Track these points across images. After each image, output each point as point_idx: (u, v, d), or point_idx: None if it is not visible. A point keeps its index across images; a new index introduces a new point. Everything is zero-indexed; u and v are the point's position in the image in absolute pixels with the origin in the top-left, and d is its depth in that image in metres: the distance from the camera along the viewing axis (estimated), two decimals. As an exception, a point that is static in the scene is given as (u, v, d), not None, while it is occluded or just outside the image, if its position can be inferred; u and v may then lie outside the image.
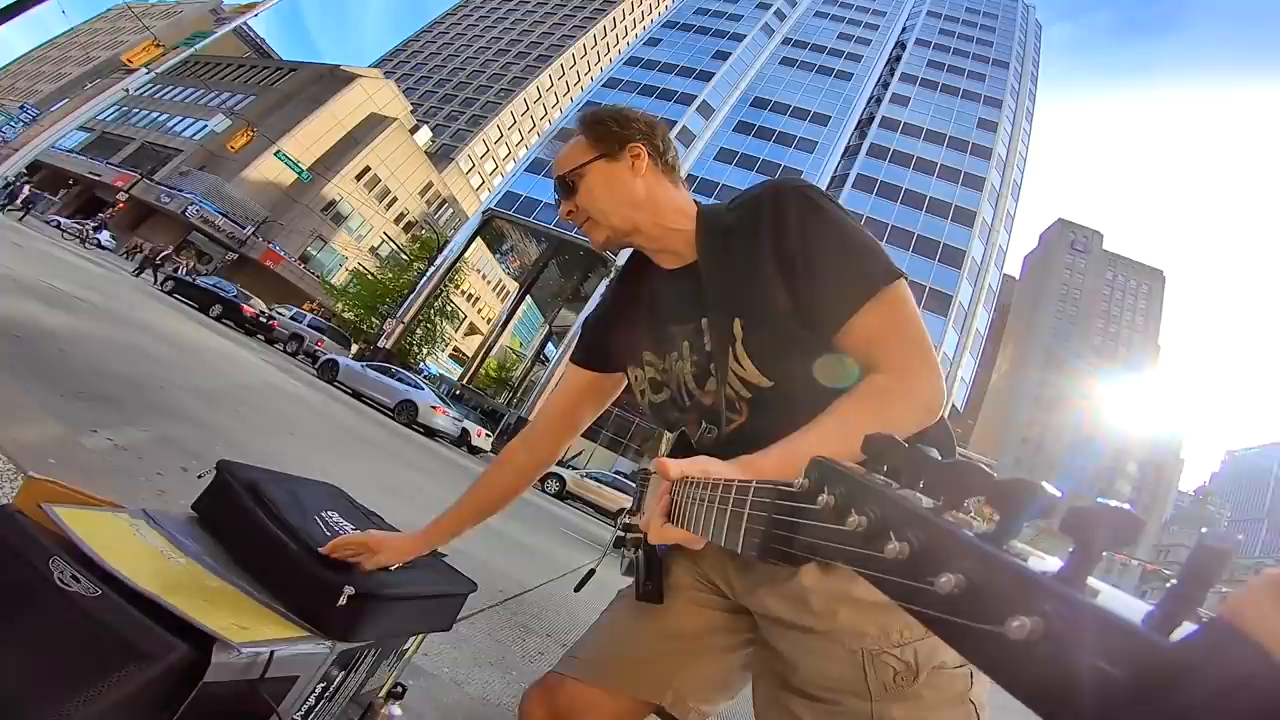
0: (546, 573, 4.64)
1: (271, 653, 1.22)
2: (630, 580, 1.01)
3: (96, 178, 37.92)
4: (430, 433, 16.07)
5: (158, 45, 9.09)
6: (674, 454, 0.96)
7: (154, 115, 44.88)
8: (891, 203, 34.78)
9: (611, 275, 1.12)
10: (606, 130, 0.97)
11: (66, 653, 1.10)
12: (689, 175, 35.54)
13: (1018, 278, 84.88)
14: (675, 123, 37.16)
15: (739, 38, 44.15)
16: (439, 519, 1.17)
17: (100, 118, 45.21)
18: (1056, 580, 0.22)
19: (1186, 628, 0.20)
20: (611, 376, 1.14)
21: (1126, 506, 0.23)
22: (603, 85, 41.36)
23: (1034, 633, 0.21)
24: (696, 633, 0.96)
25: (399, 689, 1.74)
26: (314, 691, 1.42)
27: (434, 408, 15.88)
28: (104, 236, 24.79)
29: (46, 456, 2.43)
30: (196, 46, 3.78)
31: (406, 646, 1.78)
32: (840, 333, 0.80)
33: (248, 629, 1.22)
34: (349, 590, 1.25)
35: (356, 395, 15.64)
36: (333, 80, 44.98)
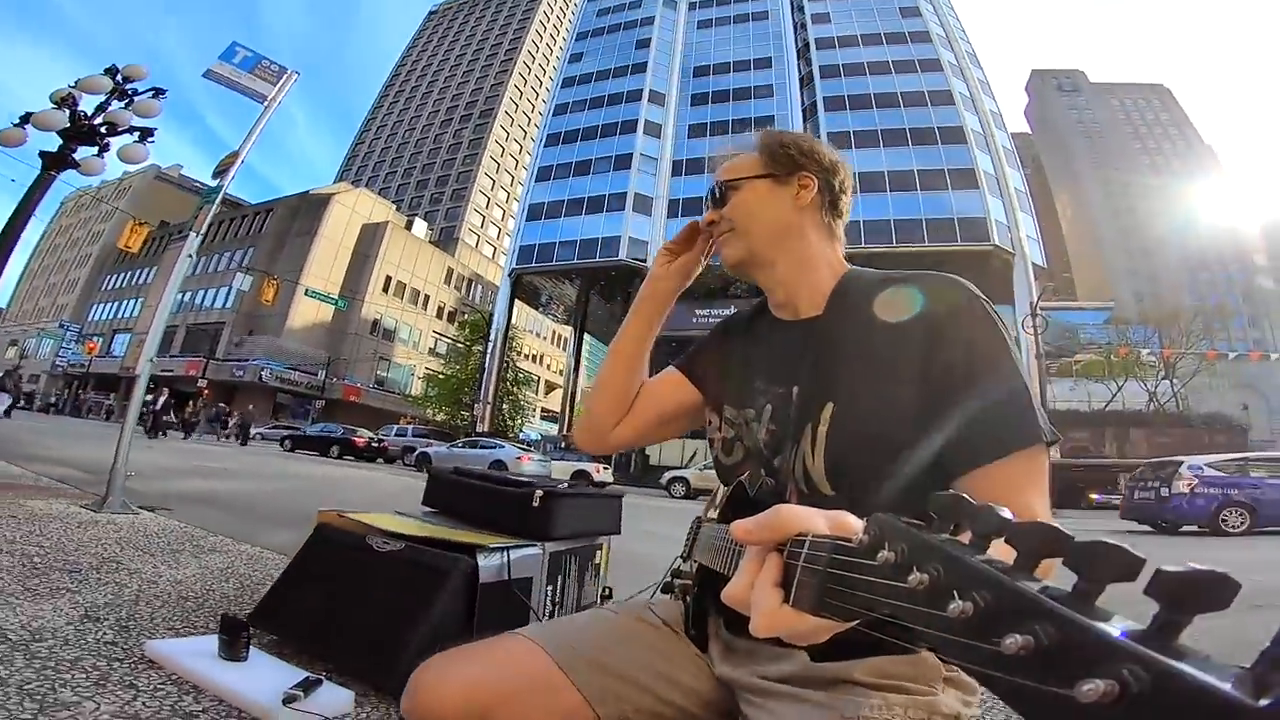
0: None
1: (507, 553, 1.90)
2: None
3: (170, 373, 38.37)
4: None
5: (141, 223, 10.27)
6: (728, 510, 0.84)
7: (177, 296, 47.02)
8: (869, 110, 35.17)
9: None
10: (784, 154, 0.90)
11: (406, 584, 1.79)
12: (673, 162, 36.34)
13: (1031, 133, 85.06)
14: (636, 120, 38.28)
15: (649, 21, 44.91)
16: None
17: (131, 316, 47.36)
18: (1135, 643, 0.22)
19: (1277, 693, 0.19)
20: (695, 396, 1.02)
21: (1219, 570, 0.22)
22: (554, 115, 42.61)
23: (1107, 696, 0.21)
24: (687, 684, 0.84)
25: (607, 590, 2.37)
26: (548, 595, 2.09)
27: (519, 458, 17.42)
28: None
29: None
30: (214, 200, 4.29)
31: (598, 561, 2.41)
32: (980, 469, 0.69)
33: (487, 544, 1.88)
34: (539, 493, 1.90)
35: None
36: (309, 207, 45.26)
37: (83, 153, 6.28)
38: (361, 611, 1.78)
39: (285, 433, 24.34)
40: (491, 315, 39.06)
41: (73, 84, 6.19)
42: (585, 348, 42.90)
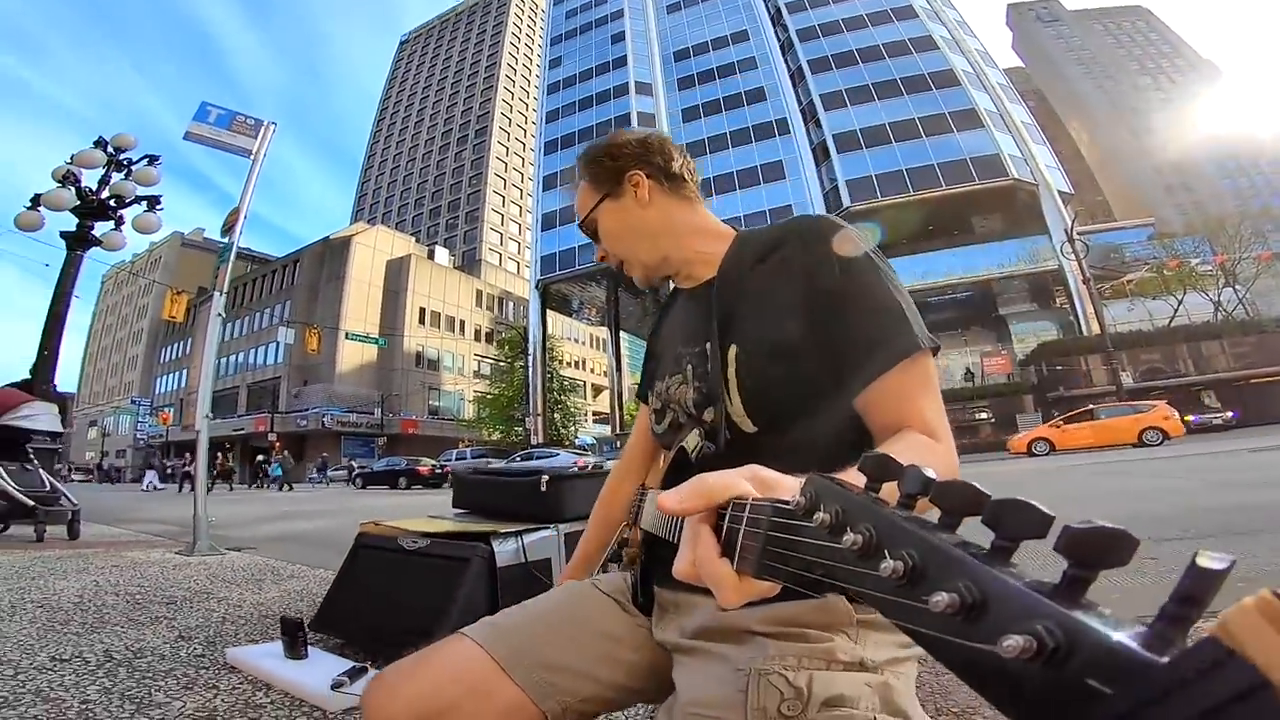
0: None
1: (521, 538, 2.09)
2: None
3: (241, 431, 40.85)
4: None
5: (179, 292, 10.79)
6: (670, 476, 0.88)
7: (232, 358, 46.58)
8: (855, 66, 34.71)
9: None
10: (600, 168, 0.95)
11: (435, 576, 2.01)
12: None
13: (1025, 66, 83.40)
14: (628, 114, 38.37)
15: (619, 14, 45.12)
16: (575, 561, 1.13)
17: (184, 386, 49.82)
18: (1049, 599, 0.23)
19: (1181, 646, 0.20)
20: None
21: (1121, 527, 0.23)
22: (547, 123, 43.02)
23: (1025, 651, 0.22)
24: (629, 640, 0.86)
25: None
26: (568, 574, 2.28)
27: (575, 463, 17.87)
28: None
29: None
30: (228, 259, 4.44)
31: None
32: (872, 384, 0.73)
33: (500, 531, 2.08)
34: (545, 477, 2.10)
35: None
36: (333, 252, 46.32)
37: (101, 228, 6.46)
38: (400, 605, 2.01)
39: (356, 470, 26.42)
40: (527, 329, 39.76)
41: (69, 160, 6.37)
42: (624, 344, 43.18)
